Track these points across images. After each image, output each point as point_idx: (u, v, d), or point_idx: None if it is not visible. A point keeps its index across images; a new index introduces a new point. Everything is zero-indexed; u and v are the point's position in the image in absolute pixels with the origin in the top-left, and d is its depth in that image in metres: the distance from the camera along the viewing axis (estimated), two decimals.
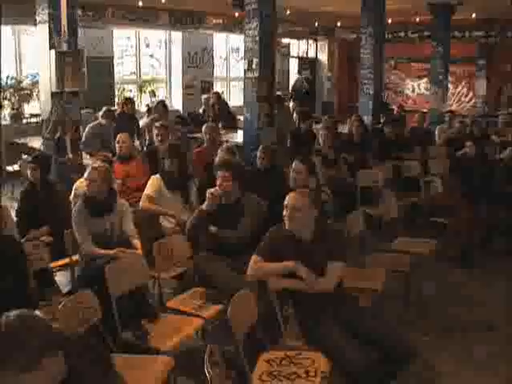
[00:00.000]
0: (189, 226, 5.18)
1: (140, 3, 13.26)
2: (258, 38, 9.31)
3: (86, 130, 8.80)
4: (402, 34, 18.37)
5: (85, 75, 7.95)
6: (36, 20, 8.42)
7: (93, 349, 2.54)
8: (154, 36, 15.61)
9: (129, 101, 10.65)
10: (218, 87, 16.43)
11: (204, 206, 5.12)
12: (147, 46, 15.65)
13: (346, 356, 3.71)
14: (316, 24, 18.50)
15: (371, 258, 5.65)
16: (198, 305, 4.70)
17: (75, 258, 5.34)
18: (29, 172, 6.03)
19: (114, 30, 14.14)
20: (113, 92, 13.88)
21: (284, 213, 4.16)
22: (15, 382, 2.10)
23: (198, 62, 15.80)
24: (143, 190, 6.11)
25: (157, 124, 7.69)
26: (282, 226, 4.23)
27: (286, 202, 4.18)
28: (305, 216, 4.14)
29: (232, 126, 11.69)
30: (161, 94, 15.30)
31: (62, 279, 5.61)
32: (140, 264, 4.73)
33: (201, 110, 13.11)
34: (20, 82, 12.64)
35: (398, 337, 3.98)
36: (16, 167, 9.62)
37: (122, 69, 14.95)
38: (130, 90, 15.07)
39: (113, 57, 14.05)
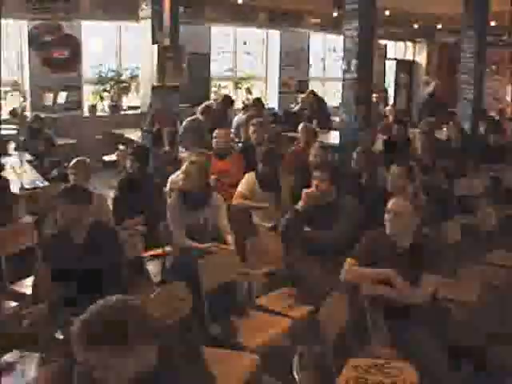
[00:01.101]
0: (282, 225, 5.17)
1: (240, 1, 13.37)
2: (357, 39, 9.19)
3: (183, 124, 8.92)
4: (505, 38, 17.74)
5: (185, 70, 8.08)
6: (139, 16, 8.63)
7: (185, 340, 2.55)
8: (252, 34, 15.69)
9: (227, 98, 10.75)
10: (312, 87, 16.37)
11: (299, 207, 5.10)
12: (244, 43, 15.75)
13: (435, 368, 3.62)
14: (415, 26, 18.15)
15: (466, 270, 5.48)
16: (287, 304, 4.68)
17: (168, 249, 5.42)
18: (128, 163, 6.18)
19: (212, 26, 14.29)
20: (209, 88, 14.04)
21: (386, 217, 4.09)
22: (107, 363, 2.15)
23: (294, 61, 15.79)
24: (237, 187, 6.14)
25: (253, 121, 7.71)
26: (380, 231, 4.16)
27: (388, 206, 4.10)
28: (407, 222, 4.06)
29: (327, 126, 11.60)
30: (256, 92, 15.37)
31: (152, 269, 5.70)
32: (232, 260, 4.76)
33: (296, 109, 13.09)
34: (120, 74, 12.97)
35: (490, 351, 3.85)
36: (113, 157, 9.88)
37: (219, 65, 15.10)
38: (226, 87, 15.21)
39: (210, 53, 14.19)
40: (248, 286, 5.08)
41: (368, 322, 4.11)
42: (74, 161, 5.73)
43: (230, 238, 5.22)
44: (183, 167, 5.37)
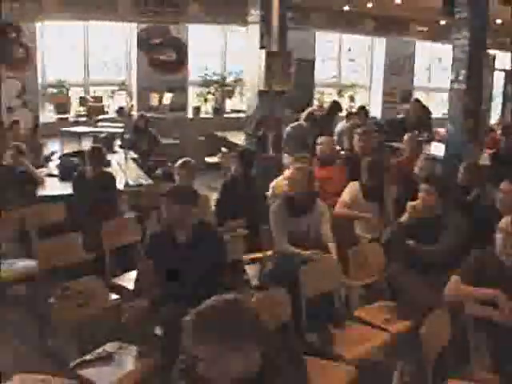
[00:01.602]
0: (385, 237, 5.08)
1: (346, 7, 13.28)
2: (467, 49, 8.92)
3: (287, 129, 8.94)
4: None
5: (292, 76, 8.09)
6: (247, 20, 8.70)
7: (288, 347, 2.54)
8: (357, 40, 15.54)
9: (336, 104, 10.68)
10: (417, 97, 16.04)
11: (403, 219, 5.00)
12: (349, 50, 15.62)
13: None
14: None
15: None
16: (386, 317, 4.59)
17: (268, 253, 5.42)
18: (232, 165, 6.24)
19: (317, 32, 14.25)
20: (312, 94, 13.99)
21: (496, 236, 3.93)
22: (215, 359, 2.15)
23: (398, 69, 15.53)
24: (340, 195, 6.08)
25: (358, 130, 7.62)
26: (488, 250, 4.01)
27: (499, 225, 3.95)
28: None
29: (430, 137, 11.34)
30: (359, 100, 15.21)
31: (251, 272, 5.73)
32: (334, 269, 4.72)
33: (399, 118, 12.85)
34: (224, 78, 13.13)
35: None
36: (215, 159, 10.03)
37: (322, 72, 15.04)
38: (329, 94, 15.12)
39: (314, 59, 14.15)
40: (346, 296, 5.02)
41: (470, 344, 3.96)
42: (180, 161, 5.83)
43: (332, 247, 5.16)
44: (289, 172, 5.37)
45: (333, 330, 4.32)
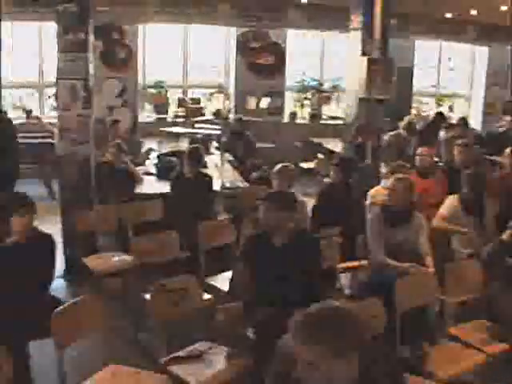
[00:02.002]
0: (486, 254, 4.91)
1: (448, 15, 12.96)
2: None
3: (385, 138, 8.81)
4: None
5: (393, 84, 7.96)
6: (348, 26, 8.62)
7: (387, 359, 2.49)
8: (457, 49, 15.15)
9: (440, 116, 10.47)
10: None
11: (505, 237, 4.82)
12: (449, 59, 15.26)
13: None
14: None
15: None
16: (481, 337, 4.42)
17: (363, 263, 5.35)
18: (331, 173, 6.20)
19: (417, 40, 13.99)
20: (410, 103, 13.75)
21: None
22: (317, 362, 2.12)
23: (501, 80, 15.02)
24: (438, 208, 5.93)
25: (459, 142, 7.40)
26: None
27: None
28: None
29: None
30: (458, 110, 14.83)
31: (344, 281, 5.68)
32: (430, 283, 4.59)
33: (500, 131, 12.43)
34: (322, 84, 13.09)
35: None
36: (311, 165, 9.99)
37: (421, 81, 14.75)
38: (427, 103, 14.83)
39: (413, 67, 13.90)
40: (441, 312, 4.88)
41: None
42: (279, 166, 5.82)
43: (429, 261, 5.03)
44: (389, 183, 5.28)
45: (426, 346, 4.20)
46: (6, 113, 7.21)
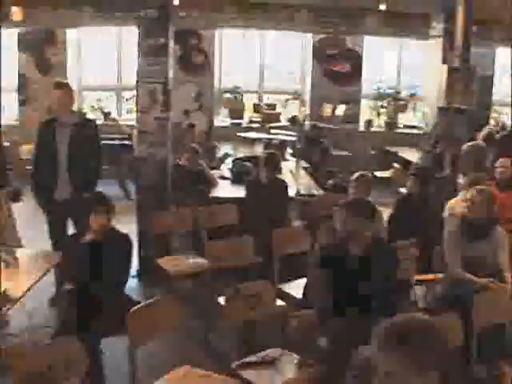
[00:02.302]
0: None
1: None
2: None
3: (463, 148, 8.57)
4: None
5: (474, 93, 7.78)
6: (427, 34, 8.49)
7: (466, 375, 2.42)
8: None
9: None
10: None
11: None
12: None
13: None
14: None
15: None
16: None
17: (439, 276, 5.23)
18: (408, 183, 6.10)
19: (499, 48, 13.58)
20: (489, 113, 13.37)
21: None
22: (396, 374, 2.07)
23: None
24: None
25: None
26: None
27: None
28: None
29: None
30: None
31: (419, 293, 5.55)
32: (509, 300, 4.45)
33: None
34: (398, 92, 12.90)
35: None
36: (386, 174, 9.87)
37: (500, 90, 14.33)
38: (507, 114, 14.39)
39: (493, 76, 13.51)
40: None
41: None
42: (357, 174, 5.76)
43: (507, 276, 4.87)
44: (468, 194, 5.14)
45: (503, 366, 4.06)
46: (85, 114, 7.44)
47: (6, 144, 6.06)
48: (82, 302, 4.33)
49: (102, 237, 4.48)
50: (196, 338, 5.15)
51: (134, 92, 7.09)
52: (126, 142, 10.40)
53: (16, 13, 10.94)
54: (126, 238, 4.68)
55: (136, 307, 3.84)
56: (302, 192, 7.23)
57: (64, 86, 5.92)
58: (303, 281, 5.07)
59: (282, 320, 4.52)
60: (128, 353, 3.73)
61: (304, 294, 4.81)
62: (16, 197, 6.21)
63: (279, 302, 4.76)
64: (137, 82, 6.73)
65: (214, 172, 7.94)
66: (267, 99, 13.02)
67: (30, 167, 6.06)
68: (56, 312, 5.45)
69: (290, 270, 5.49)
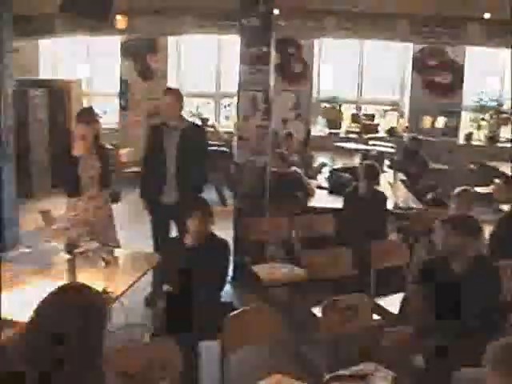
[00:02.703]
0: None
1: None
2: None
3: None
4: None
5: None
6: None
7: None
8: None
9: None
10: None
11: None
12: None
13: None
14: None
15: None
16: None
17: None
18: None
19: None
20: None
21: None
22: None
23: None
24: None
25: None
26: None
27: None
28: None
29: None
30: None
31: None
32: None
33: None
34: (501, 104, 12.49)
35: None
36: (486, 190, 9.56)
37: None
38: None
39: None
40: None
41: None
42: (459, 189, 5.61)
43: None
44: None
45: None
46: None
47: (109, 147, 6.23)
48: (180, 304, 4.39)
49: (202, 241, 4.53)
50: (287, 348, 5.12)
51: (233, 99, 7.18)
52: (223, 149, 10.53)
53: (120, 21, 11.30)
54: (225, 244, 4.73)
55: (231, 314, 3.86)
56: (401, 205, 7.11)
57: (174, 92, 6.08)
58: (400, 295, 4.97)
59: (378, 334, 4.44)
60: (219, 359, 3.77)
61: (401, 309, 4.70)
62: (116, 198, 6.39)
63: (375, 316, 4.68)
64: (238, 89, 6.80)
65: (310, 182, 7.92)
66: (365, 109, 12.90)
67: (129, 170, 6.23)
68: (152, 312, 5.55)
69: (387, 284, 5.40)
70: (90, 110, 5.87)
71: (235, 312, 3.93)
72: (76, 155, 5.55)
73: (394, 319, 4.72)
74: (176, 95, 6.03)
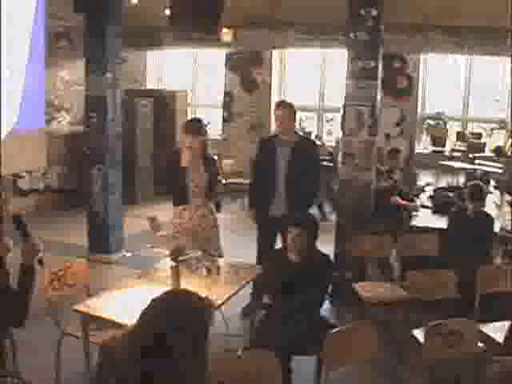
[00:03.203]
0: None
1: None
2: None
3: None
4: None
5: None
6: None
7: None
8: None
9: None
10: None
11: None
12: None
13: None
14: None
15: None
16: None
17: None
18: None
19: None
20: None
21: None
22: None
23: None
24: None
25: None
26: None
27: None
28: None
29: None
30: None
31: None
32: None
33: None
34: None
35: None
36: None
37: None
38: None
39: None
40: None
41: None
42: None
43: None
44: None
45: None
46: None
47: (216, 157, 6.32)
48: (278, 318, 4.39)
49: (305, 256, 4.50)
50: (382, 368, 5.01)
51: (336, 113, 7.15)
52: (325, 163, 10.47)
53: (226, 34, 11.50)
54: (328, 260, 4.69)
55: (332, 331, 3.81)
56: (507, 228, 6.84)
57: (286, 106, 6.11)
58: (505, 323, 4.77)
59: (481, 363, 4.28)
60: (315, 375, 3.71)
61: (507, 338, 4.52)
62: (218, 208, 6.46)
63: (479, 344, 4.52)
64: (344, 104, 6.76)
65: (414, 200, 7.75)
66: (472, 127, 12.56)
67: (230, 181, 6.30)
68: (248, 323, 5.57)
69: (491, 310, 5.20)
70: (199, 120, 5.96)
71: (337, 329, 3.88)
72: (184, 165, 5.67)
73: (499, 348, 4.55)
74: (288, 108, 6.06)
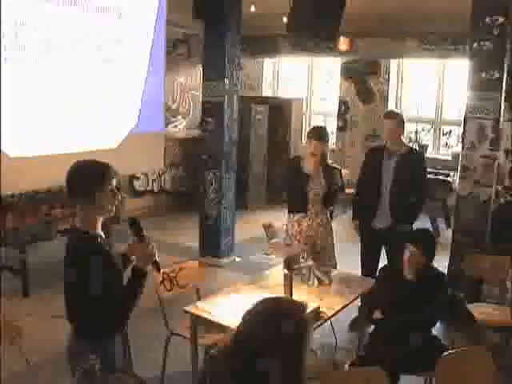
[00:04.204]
0: None
1: None
2: None
3: None
4: None
5: None
6: None
7: None
8: None
9: None
10: None
11: None
12: None
13: None
14: None
15: None
16: None
17: None
18: None
19: None
20: None
21: None
22: None
23: None
24: None
25: None
26: None
27: None
28: None
29: None
30: None
31: None
32: None
33: None
34: None
35: None
36: None
37: None
38: None
39: None
40: None
41: None
42: None
43: None
44: None
45: None
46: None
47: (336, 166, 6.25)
48: (389, 334, 4.27)
49: (420, 273, 4.35)
50: None
51: (453, 126, 6.89)
52: (441, 178, 10.16)
53: (343, 42, 11.40)
54: (442, 279, 4.52)
55: (446, 353, 3.65)
56: None
57: (395, 116, 5.98)
58: None
59: None
60: None
61: None
62: (331, 216, 6.37)
63: None
64: (464, 116, 6.52)
65: None
66: None
67: (347, 191, 6.20)
68: (357, 335, 5.46)
69: None
70: (322, 128, 5.91)
71: (452, 352, 3.71)
72: (306, 172, 5.63)
73: None
74: (396, 119, 5.92)
